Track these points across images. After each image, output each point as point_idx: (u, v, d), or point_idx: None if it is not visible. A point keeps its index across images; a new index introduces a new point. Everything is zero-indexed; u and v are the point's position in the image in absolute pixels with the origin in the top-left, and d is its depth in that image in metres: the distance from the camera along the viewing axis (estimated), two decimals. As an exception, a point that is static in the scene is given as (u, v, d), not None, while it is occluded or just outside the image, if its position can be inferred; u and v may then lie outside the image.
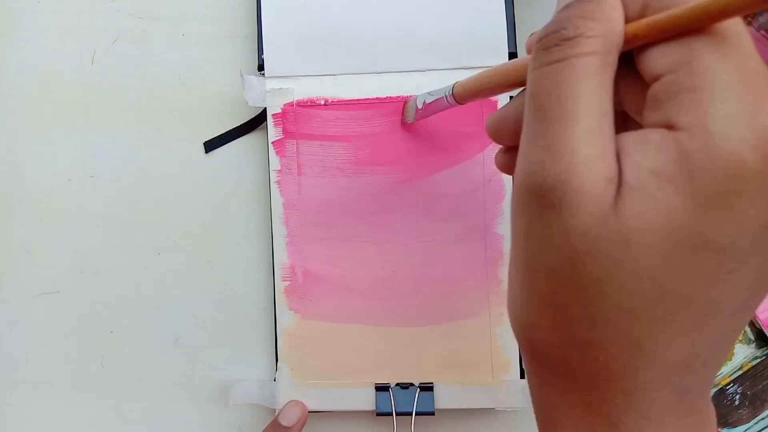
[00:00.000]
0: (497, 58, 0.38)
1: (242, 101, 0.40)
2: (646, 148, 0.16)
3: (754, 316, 0.40)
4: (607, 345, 0.16)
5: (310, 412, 0.39)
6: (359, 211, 0.39)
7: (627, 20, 0.17)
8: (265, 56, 0.39)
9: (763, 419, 0.40)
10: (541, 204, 0.16)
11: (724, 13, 0.15)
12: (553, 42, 0.16)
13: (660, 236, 0.15)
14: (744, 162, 0.14)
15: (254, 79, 0.39)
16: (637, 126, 0.17)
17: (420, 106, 0.35)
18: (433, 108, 0.34)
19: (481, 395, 0.38)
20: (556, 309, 0.17)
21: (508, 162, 0.24)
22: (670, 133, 0.15)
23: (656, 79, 0.16)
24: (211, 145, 0.42)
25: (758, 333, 0.41)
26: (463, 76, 0.38)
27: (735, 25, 0.16)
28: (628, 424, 0.17)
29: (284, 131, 0.39)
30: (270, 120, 0.39)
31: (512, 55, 0.38)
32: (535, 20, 0.41)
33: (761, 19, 0.31)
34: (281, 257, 0.39)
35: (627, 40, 0.17)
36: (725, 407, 0.40)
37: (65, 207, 0.42)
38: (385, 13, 0.39)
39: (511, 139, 0.23)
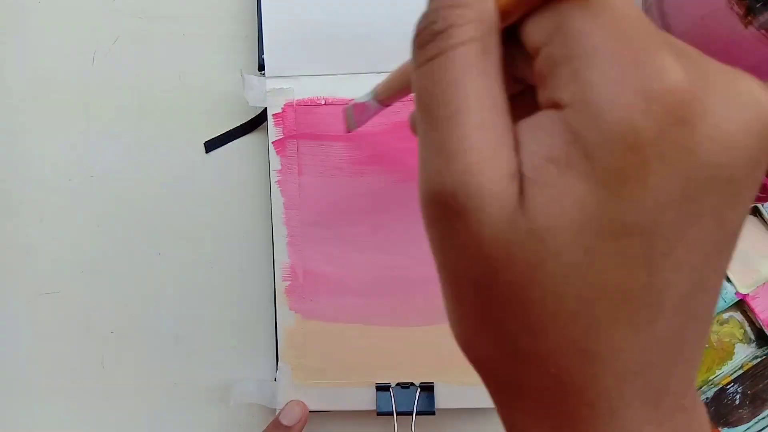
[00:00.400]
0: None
1: (242, 101, 0.40)
2: (538, 134, 0.14)
3: (755, 316, 0.40)
4: (555, 355, 0.15)
5: (310, 411, 0.39)
6: (359, 211, 0.39)
7: None
8: (265, 56, 0.39)
9: (763, 419, 0.40)
10: (446, 213, 0.15)
11: None
12: (427, 38, 0.15)
13: (575, 229, 0.13)
14: (637, 130, 0.13)
15: (254, 78, 0.39)
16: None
17: (355, 114, 0.34)
18: (363, 114, 0.32)
19: (482, 395, 0.38)
20: (491, 323, 0.15)
21: None
22: (557, 112, 0.14)
23: (536, 51, 0.15)
24: (211, 145, 0.42)
25: (758, 333, 0.41)
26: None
27: None
28: None
29: (284, 131, 0.39)
30: (270, 120, 0.39)
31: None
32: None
33: (761, 19, 0.31)
34: (282, 257, 0.39)
35: (502, 17, 0.16)
36: (725, 407, 0.40)
37: (65, 207, 0.42)
38: (385, 13, 0.39)
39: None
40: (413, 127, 0.22)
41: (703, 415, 0.17)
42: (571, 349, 0.15)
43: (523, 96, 0.17)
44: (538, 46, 0.15)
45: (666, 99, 0.13)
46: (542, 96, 0.15)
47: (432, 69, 0.15)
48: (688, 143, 0.13)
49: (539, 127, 0.14)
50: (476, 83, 0.15)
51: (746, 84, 0.14)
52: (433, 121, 0.15)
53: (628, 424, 0.15)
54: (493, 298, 0.15)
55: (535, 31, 0.15)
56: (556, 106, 0.14)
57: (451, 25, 0.15)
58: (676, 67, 0.13)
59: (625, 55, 0.13)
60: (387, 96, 0.29)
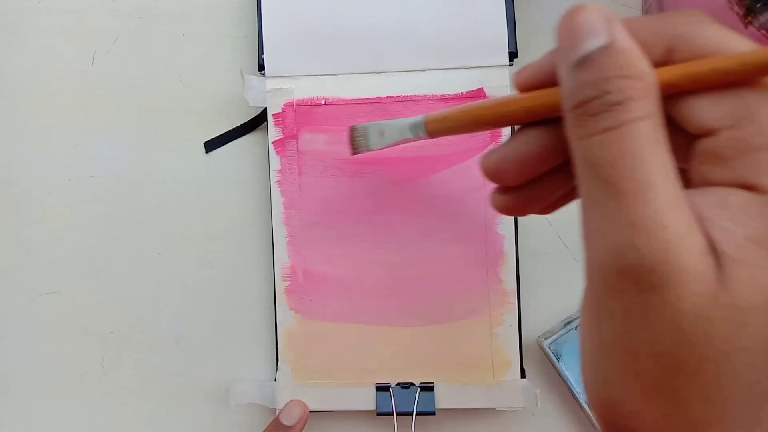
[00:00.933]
0: (497, 57, 0.38)
1: (242, 101, 0.40)
2: (731, 213, 0.15)
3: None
4: (723, 422, 0.15)
5: (311, 412, 0.39)
6: (360, 211, 0.39)
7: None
8: (265, 56, 0.39)
9: (763, 419, 0.40)
10: (639, 287, 0.15)
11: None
12: (600, 108, 0.15)
13: None
14: None
15: (254, 78, 0.39)
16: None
17: (375, 137, 0.33)
18: (395, 138, 0.31)
19: (482, 395, 0.38)
20: (667, 393, 0.16)
21: (508, 204, 0.23)
22: (756, 195, 0.15)
23: (709, 132, 0.16)
24: (211, 145, 0.42)
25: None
26: (463, 75, 0.38)
27: None
28: None
29: (284, 131, 0.39)
30: (270, 120, 0.39)
31: (512, 54, 0.38)
32: (535, 20, 0.41)
33: (761, 19, 0.31)
34: (282, 257, 0.39)
35: (661, 89, 0.16)
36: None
37: (65, 207, 0.42)
38: (386, 13, 0.39)
39: (513, 179, 0.21)
40: (488, 171, 0.22)
41: None
42: (740, 415, 0.15)
43: None
44: (715, 127, 0.15)
45: None
46: (719, 174, 0.15)
47: (612, 140, 0.15)
48: None
49: (731, 205, 0.15)
50: (660, 158, 0.15)
51: None
52: (618, 193, 0.15)
53: None
54: (679, 370, 0.15)
55: (710, 112, 0.16)
56: (750, 188, 0.15)
57: (630, 99, 0.15)
58: None
59: None
60: (441, 132, 0.27)
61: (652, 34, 0.17)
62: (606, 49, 0.15)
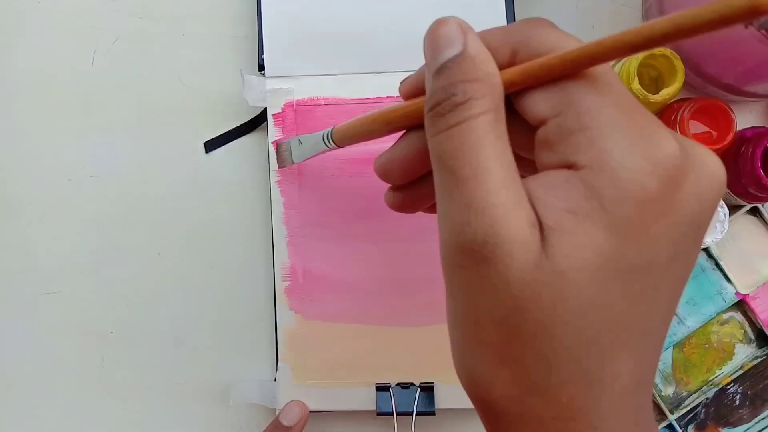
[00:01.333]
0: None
1: (242, 101, 0.40)
2: (555, 189, 0.17)
3: (755, 316, 0.40)
4: (567, 384, 0.17)
5: (310, 412, 0.39)
6: (359, 211, 0.39)
7: (499, 66, 0.18)
8: (265, 56, 0.39)
9: (763, 419, 0.40)
10: (475, 260, 0.17)
11: (593, 61, 0.17)
12: (447, 108, 0.18)
13: (592, 269, 0.16)
14: (646, 189, 0.16)
15: (254, 78, 0.39)
16: (527, 164, 0.19)
17: (296, 151, 0.35)
18: (312, 150, 0.34)
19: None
20: (511, 360, 0.17)
21: (398, 201, 0.25)
22: (574, 172, 0.16)
23: (542, 122, 0.18)
24: (211, 145, 0.42)
25: (758, 333, 0.41)
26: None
27: (601, 66, 0.17)
28: None
29: (284, 131, 0.39)
30: (270, 120, 0.39)
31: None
32: (535, 20, 0.41)
33: (761, 19, 0.31)
34: (281, 257, 0.39)
35: (504, 87, 0.18)
36: (726, 407, 0.40)
37: (65, 207, 0.42)
38: (385, 13, 0.39)
39: (400, 178, 0.24)
40: (378, 171, 0.25)
41: (656, 426, 0.20)
42: (582, 377, 0.17)
43: None
44: (545, 117, 0.18)
45: (666, 164, 0.16)
46: (549, 158, 0.17)
47: (454, 135, 0.17)
48: (678, 198, 0.16)
49: (555, 183, 0.17)
50: (495, 146, 0.17)
51: (708, 153, 0.18)
52: (458, 179, 0.17)
53: None
54: (516, 335, 0.17)
55: (540, 104, 0.18)
56: (570, 166, 0.17)
57: (471, 98, 0.17)
58: (671, 139, 0.16)
59: (634, 128, 0.16)
60: (346, 141, 0.30)
61: (502, 39, 0.19)
62: (457, 57, 0.18)
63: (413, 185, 0.25)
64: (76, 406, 0.42)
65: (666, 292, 0.17)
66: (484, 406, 0.19)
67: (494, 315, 0.17)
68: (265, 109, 0.40)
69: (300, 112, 0.39)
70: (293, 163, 0.36)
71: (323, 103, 0.39)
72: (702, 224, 0.17)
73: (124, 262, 0.42)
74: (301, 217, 0.39)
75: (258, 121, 0.41)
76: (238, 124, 0.42)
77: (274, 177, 0.39)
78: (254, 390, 0.39)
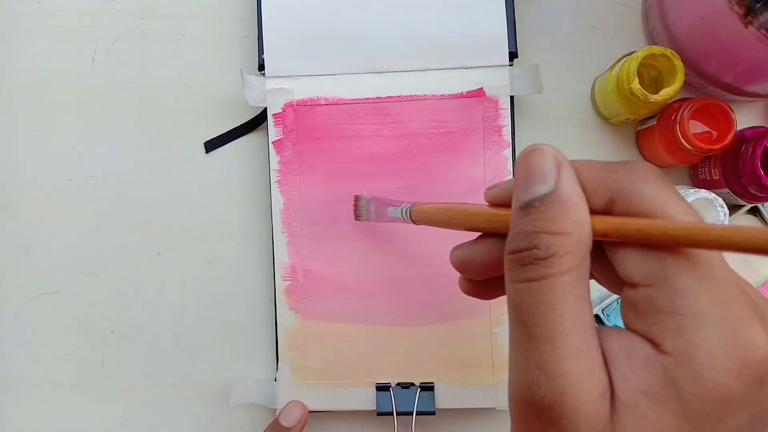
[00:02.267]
0: (497, 57, 0.38)
1: (242, 101, 0.40)
2: (633, 363, 0.16)
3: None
4: None
5: (311, 411, 0.39)
6: (359, 210, 0.39)
7: (592, 210, 0.18)
8: (265, 56, 0.39)
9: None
10: (541, 419, 0.17)
11: (695, 245, 0.16)
12: (528, 260, 0.17)
13: None
14: (729, 389, 0.15)
15: (254, 78, 0.39)
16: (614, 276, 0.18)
17: (373, 209, 0.36)
18: (389, 218, 0.34)
19: (482, 395, 0.38)
20: None
21: (471, 290, 0.24)
22: (657, 354, 0.16)
23: (632, 285, 0.17)
24: (211, 145, 0.42)
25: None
26: (463, 75, 0.38)
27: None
28: None
29: (284, 131, 0.39)
30: (270, 120, 0.39)
31: (512, 54, 0.38)
32: (535, 20, 0.41)
33: (761, 19, 0.31)
34: (282, 257, 0.39)
35: (594, 235, 0.17)
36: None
37: (65, 207, 0.42)
38: (385, 13, 0.39)
39: (476, 275, 0.23)
40: (455, 264, 0.23)
41: None
42: None
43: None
44: (636, 282, 0.17)
45: (756, 366, 0.16)
46: (636, 324, 0.17)
47: (532, 290, 0.17)
48: (762, 395, 0.16)
49: (635, 356, 0.16)
50: (573, 309, 0.17)
51: None
52: (531, 337, 0.17)
53: None
54: None
55: (633, 268, 0.17)
56: (655, 345, 0.16)
57: (554, 255, 0.17)
58: (764, 338, 0.16)
59: (727, 323, 0.16)
60: (424, 222, 0.29)
61: (600, 181, 0.18)
62: (547, 198, 0.17)
63: (488, 281, 0.24)
64: (76, 406, 0.42)
65: None
66: None
67: None
68: (265, 109, 0.40)
69: (300, 112, 0.39)
70: (368, 219, 0.37)
71: (323, 103, 0.39)
72: None
73: (123, 262, 0.42)
74: (301, 217, 0.39)
75: (258, 121, 0.41)
76: (238, 124, 0.42)
77: (274, 177, 0.39)
78: (254, 390, 0.39)
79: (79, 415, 0.42)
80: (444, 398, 0.38)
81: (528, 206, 0.17)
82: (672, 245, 0.16)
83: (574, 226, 0.17)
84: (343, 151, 0.39)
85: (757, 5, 0.31)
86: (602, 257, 0.18)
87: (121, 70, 0.42)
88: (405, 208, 0.31)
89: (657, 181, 0.17)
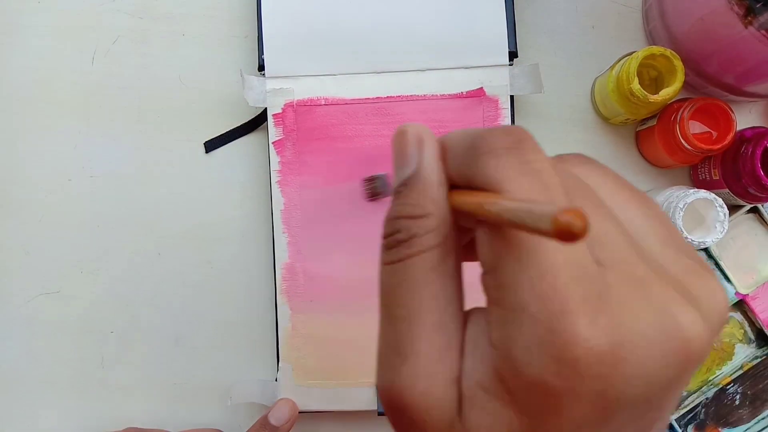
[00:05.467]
0: (497, 57, 0.38)
1: (242, 101, 0.40)
2: (475, 353, 0.16)
3: (755, 316, 0.40)
4: None
5: (311, 412, 0.39)
6: (360, 210, 0.39)
7: (458, 183, 0.17)
8: (265, 56, 0.39)
9: (763, 419, 0.40)
10: (396, 406, 0.16)
11: (515, 226, 0.14)
12: (392, 243, 0.17)
13: None
14: (549, 386, 0.14)
15: (254, 79, 0.39)
16: None
17: (385, 187, 0.35)
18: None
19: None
20: None
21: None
22: (488, 346, 0.15)
23: (481, 265, 0.16)
24: (211, 145, 0.42)
25: (758, 333, 0.41)
26: (463, 75, 0.38)
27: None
28: None
29: (284, 131, 0.39)
30: (270, 120, 0.39)
31: (512, 54, 0.38)
32: (535, 20, 0.41)
33: (761, 19, 0.31)
34: (282, 257, 0.39)
35: (452, 208, 0.17)
36: (725, 407, 0.40)
37: (65, 207, 0.42)
38: (385, 13, 0.39)
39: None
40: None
41: None
42: None
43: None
44: (481, 264, 0.16)
45: (577, 364, 0.14)
46: (482, 312, 0.16)
47: (394, 272, 0.16)
48: (603, 387, 0.14)
49: (477, 347, 0.16)
50: (434, 285, 0.16)
51: (675, 313, 0.15)
52: (391, 320, 0.16)
53: None
54: None
55: (480, 251, 0.16)
56: (489, 336, 0.15)
57: (413, 236, 0.16)
58: (588, 332, 0.14)
59: (543, 322, 0.14)
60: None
61: (465, 149, 0.17)
62: (409, 180, 0.17)
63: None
64: (76, 406, 0.42)
65: None
66: None
67: None
68: (265, 109, 0.40)
69: (300, 112, 0.39)
70: (388, 195, 0.35)
71: (323, 103, 0.39)
72: (655, 399, 0.15)
73: (123, 262, 0.42)
74: (301, 217, 0.39)
75: (258, 121, 0.41)
76: (238, 124, 0.42)
77: (275, 177, 0.39)
78: (255, 389, 0.39)
79: (79, 415, 0.42)
80: (444, 398, 0.38)
81: (396, 191, 0.17)
82: (494, 225, 0.15)
83: (434, 205, 0.17)
84: (344, 151, 0.39)
85: (757, 5, 0.31)
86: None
87: (121, 70, 0.42)
88: None
89: (502, 157, 0.16)
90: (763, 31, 0.31)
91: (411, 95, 0.39)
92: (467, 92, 0.38)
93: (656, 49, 0.35)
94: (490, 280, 0.15)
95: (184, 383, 0.41)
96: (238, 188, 0.42)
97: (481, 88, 0.38)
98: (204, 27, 0.42)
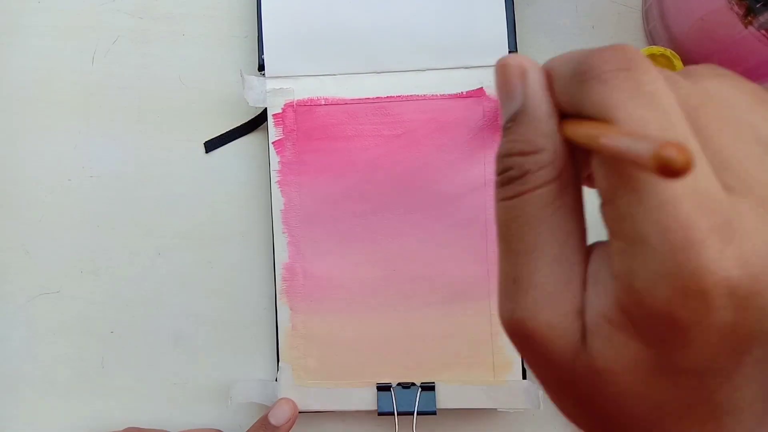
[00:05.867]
0: (497, 57, 0.38)
1: (242, 101, 0.40)
2: (597, 287, 0.16)
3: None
4: None
5: (311, 412, 0.39)
6: (360, 210, 0.39)
7: (561, 108, 0.16)
8: (265, 56, 0.39)
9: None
10: (519, 334, 0.16)
11: (623, 159, 0.14)
12: (505, 180, 0.17)
13: (630, 372, 0.15)
14: (675, 319, 0.14)
15: (254, 79, 0.39)
16: None
17: None
18: None
19: (483, 395, 0.38)
20: (573, 406, 0.17)
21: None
22: (610, 278, 0.15)
23: (599, 195, 0.16)
24: (211, 145, 0.42)
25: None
26: (463, 75, 0.38)
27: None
28: None
29: (285, 131, 0.39)
30: (270, 120, 0.39)
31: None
32: (535, 20, 0.41)
33: (761, 19, 0.31)
34: (282, 257, 0.39)
35: (566, 140, 0.16)
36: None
37: (65, 207, 0.42)
38: (385, 13, 0.39)
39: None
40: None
41: None
42: None
43: None
44: (600, 194, 0.15)
45: (705, 296, 0.13)
46: (605, 245, 0.16)
47: (510, 207, 0.16)
48: (735, 320, 0.14)
49: (599, 280, 0.16)
50: (550, 221, 0.16)
51: None
52: (510, 253, 0.17)
53: None
54: (569, 397, 0.17)
55: (598, 178, 0.15)
56: (611, 267, 0.15)
57: (526, 172, 0.16)
58: (717, 263, 0.13)
59: (667, 251, 0.14)
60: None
61: (572, 72, 0.16)
62: (517, 115, 0.17)
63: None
64: (76, 406, 0.42)
65: (747, 379, 0.15)
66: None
67: (546, 379, 0.17)
68: (266, 109, 0.40)
69: (300, 112, 0.39)
70: None
71: (323, 103, 0.39)
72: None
73: (123, 262, 0.42)
74: (301, 217, 0.39)
75: (258, 121, 0.41)
76: (238, 124, 0.42)
77: (275, 177, 0.39)
78: (255, 389, 0.39)
79: (79, 415, 0.42)
80: (445, 398, 0.38)
81: (504, 128, 0.17)
82: (603, 154, 0.15)
83: (545, 139, 0.16)
84: (344, 151, 0.39)
85: (757, 5, 0.31)
86: None
87: (121, 70, 0.42)
88: None
89: (609, 81, 0.15)
90: (763, 31, 0.31)
91: (411, 95, 0.39)
92: (467, 92, 0.38)
93: (656, 49, 0.35)
94: (609, 212, 0.15)
95: (184, 383, 0.41)
96: (238, 188, 0.42)
97: (481, 88, 0.38)
98: (204, 27, 0.42)
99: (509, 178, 0.16)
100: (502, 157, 0.17)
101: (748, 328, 0.14)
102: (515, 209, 0.16)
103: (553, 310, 0.16)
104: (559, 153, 0.16)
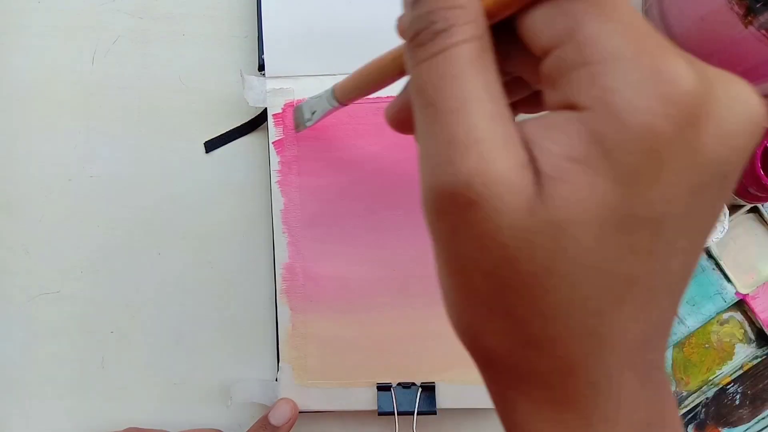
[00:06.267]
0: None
1: (242, 101, 0.40)
2: (553, 133, 0.15)
3: (755, 316, 0.40)
4: (564, 339, 0.16)
5: (311, 412, 0.39)
6: (360, 210, 0.39)
7: None
8: (265, 56, 0.39)
9: (763, 419, 0.40)
10: (459, 204, 0.15)
11: None
12: (428, 37, 0.16)
13: (593, 222, 0.14)
14: (656, 133, 0.14)
15: (254, 79, 0.39)
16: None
17: (308, 114, 0.35)
18: (320, 113, 0.33)
19: (484, 395, 0.37)
20: (503, 312, 0.16)
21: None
22: (575, 113, 0.15)
23: (545, 53, 0.15)
24: (211, 145, 0.42)
25: (758, 332, 0.41)
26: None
27: None
28: (600, 413, 0.16)
29: (285, 131, 0.39)
30: (271, 120, 0.39)
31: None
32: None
33: (761, 19, 0.31)
34: (282, 257, 0.39)
35: (491, 13, 0.16)
36: (725, 407, 0.40)
37: (65, 207, 0.42)
38: (385, 13, 0.39)
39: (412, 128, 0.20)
40: (391, 122, 0.23)
41: (669, 383, 0.18)
42: (580, 332, 0.15)
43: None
44: (548, 46, 0.15)
45: (682, 102, 0.14)
46: (552, 97, 0.15)
47: (436, 64, 0.15)
48: (697, 142, 0.14)
49: (554, 126, 0.15)
50: (481, 76, 0.15)
51: (740, 86, 0.15)
52: (439, 114, 0.15)
53: (624, 398, 0.16)
54: (507, 286, 0.15)
55: (542, 31, 0.15)
56: (571, 107, 0.15)
57: (453, 25, 0.15)
58: (689, 72, 0.14)
59: (644, 62, 0.14)
60: (348, 95, 0.29)
61: None
62: None
63: None
64: (76, 407, 0.42)
65: (683, 245, 0.15)
66: (479, 356, 0.18)
67: (483, 265, 0.15)
68: (266, 109, 0.40)
69: (300, 112, 0.39)
70: (306, 126, 0.35)
71: (323, 103, 0.39)
72: (729, 172, 0.15)
73: (124, 262, 0.42)
74: (301, 217, 0.39)
75: (258, 121, 0.41)
76: (238, 124, 0.42)
77: (275, 177, 0.39)
78: (255, 389, 0.39)
79: (79, 415, 0.42)
80: (445, 398, 0.38)
81: None
82: None
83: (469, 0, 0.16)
84: (344, 151, 0.39)
85: (757, 5, 0.31)
86: (516, 50, 0.17)
87: (121, 70, 0.42)
88: (327, 93, 0.31)
89: None
90: (763, 31, 0.31)
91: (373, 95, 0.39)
92: (467, 92, 0.38)
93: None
94: (567, 50, 0.15)
95: (184, 383, 0.41)
96: (238, 188, 0.42)
97: (482, 88, 0.38)
98: (204, 27, 0.42)
99: (433, 32, 0.16)
100: (423, 14, 0.16)
101: (708, 157, 0.14)
102: (442, 65, 0.15)
103: (504, 162, 0.14)
104: (481, 14, 0.16)
